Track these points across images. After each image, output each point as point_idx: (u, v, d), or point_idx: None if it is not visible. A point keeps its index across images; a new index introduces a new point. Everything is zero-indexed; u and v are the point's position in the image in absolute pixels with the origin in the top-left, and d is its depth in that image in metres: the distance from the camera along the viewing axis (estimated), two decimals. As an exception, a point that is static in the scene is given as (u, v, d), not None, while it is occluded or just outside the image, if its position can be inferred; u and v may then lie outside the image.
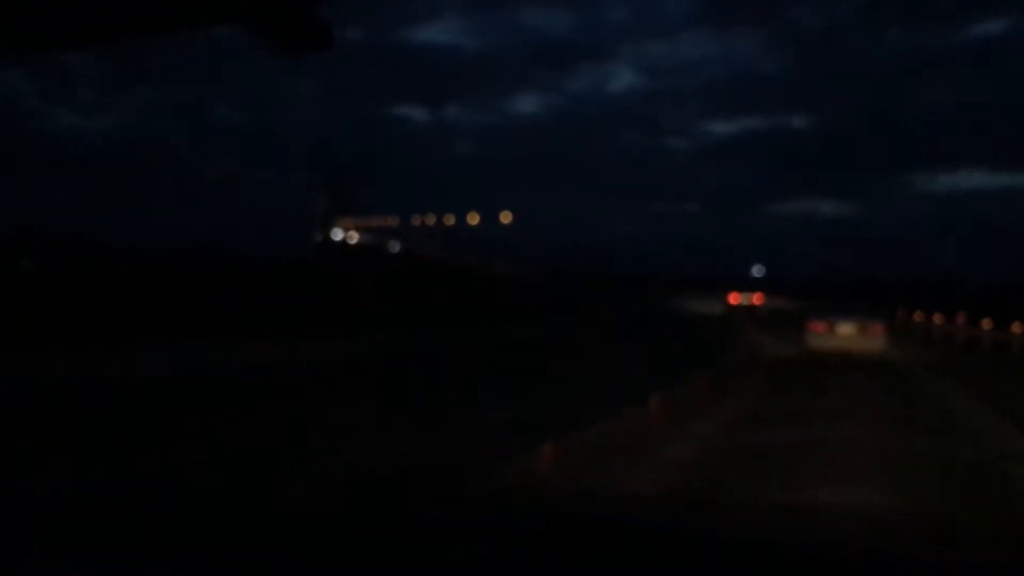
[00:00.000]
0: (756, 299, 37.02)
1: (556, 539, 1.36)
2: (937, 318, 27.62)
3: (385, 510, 1.58)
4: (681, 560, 1.27)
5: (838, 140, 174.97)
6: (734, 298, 38.36)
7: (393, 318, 23.28)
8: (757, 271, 55.41)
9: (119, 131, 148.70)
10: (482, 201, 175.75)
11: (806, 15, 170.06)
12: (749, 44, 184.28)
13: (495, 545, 1.33)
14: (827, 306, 20.71)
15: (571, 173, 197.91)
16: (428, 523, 1.46)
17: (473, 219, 70.14)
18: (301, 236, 76.56)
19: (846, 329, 18.30)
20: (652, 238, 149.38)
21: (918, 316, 29.67)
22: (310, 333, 17.28)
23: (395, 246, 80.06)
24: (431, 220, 77.99)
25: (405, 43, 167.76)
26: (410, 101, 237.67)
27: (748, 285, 38.54)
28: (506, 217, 66.13)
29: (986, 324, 23.51)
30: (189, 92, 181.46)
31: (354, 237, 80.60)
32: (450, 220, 71.74)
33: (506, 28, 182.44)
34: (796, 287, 38.06)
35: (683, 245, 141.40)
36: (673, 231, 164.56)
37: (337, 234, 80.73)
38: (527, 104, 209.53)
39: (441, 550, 1.30)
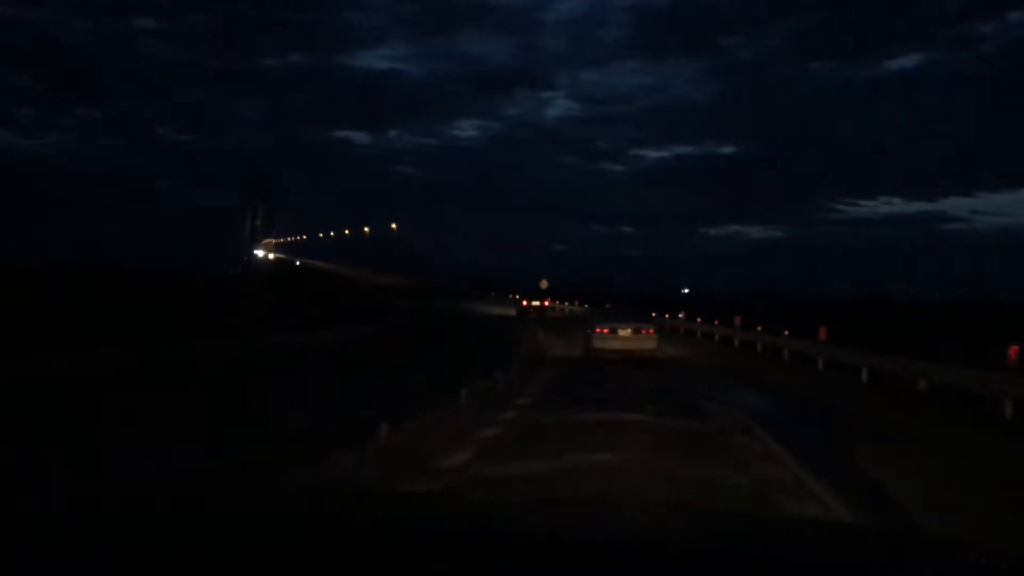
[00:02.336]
0: (546, 303, 43.51)
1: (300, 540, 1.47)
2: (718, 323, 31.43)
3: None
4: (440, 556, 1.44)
5: (766, 167, 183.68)
6: (526, 302, 44.76)
7: (257, 325, 24.09)
8: (685, 291, 62.41)
9: (60, 151, 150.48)
10: (421, 220, 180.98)
11: (736, 47, 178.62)
12: (681, 74, 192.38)
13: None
14: (610, 312, 23.69)
15: (511, 196, 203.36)
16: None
17: (364, 232, 75.53)
18: (238, 253, 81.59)
19: (625, 332, 20.70)
20: (590, 257, 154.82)
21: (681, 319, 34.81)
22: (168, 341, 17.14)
23: (296, 261, 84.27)
24: (336, 235, 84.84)
25: (348, 68, 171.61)
26: (352, 125, 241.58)
27: (674, 304, 40.89)
28: (396, 228, 71.73)
29: (737, 321, 27.73)
30: (134, 113, 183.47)
31: (271, 254, 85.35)
32: (351, 233, 77.60)
33: (447, 55, 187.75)
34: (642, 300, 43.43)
35: (619, 265, 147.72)
36: (609, 251, 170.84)
37: (259, 251, 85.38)
38: (467, 129, 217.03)
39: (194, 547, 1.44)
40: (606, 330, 20.75)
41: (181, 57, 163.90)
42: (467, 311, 43.63)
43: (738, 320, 27.32)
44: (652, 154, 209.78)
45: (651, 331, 21.06)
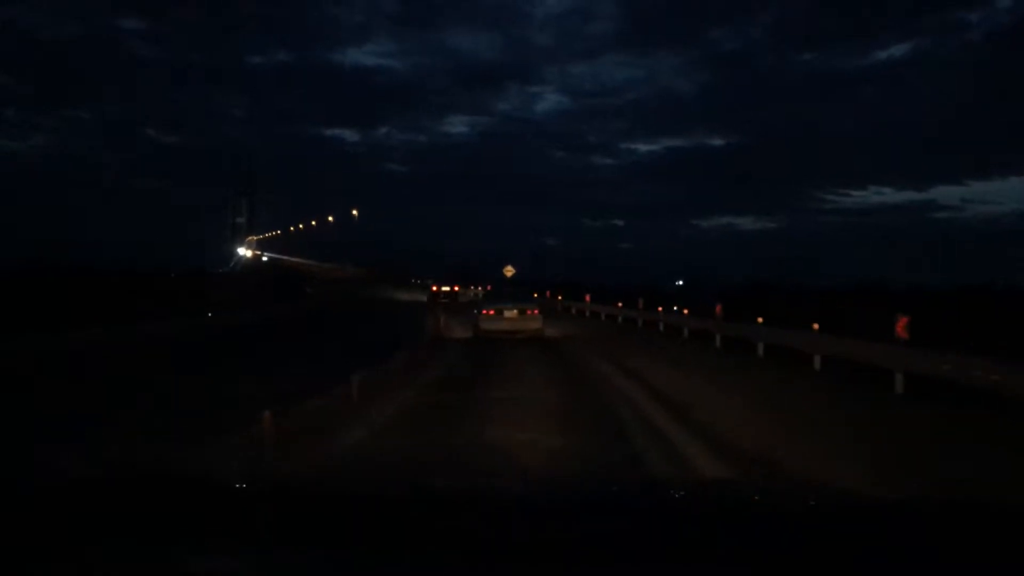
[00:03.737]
0: (456, 288, 42.82)
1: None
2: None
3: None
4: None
5: (756, 158, 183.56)
6: (435, 288, 43.88)
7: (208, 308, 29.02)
8: (678, 282, 62.53)
9: (45, 152, 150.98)
10: (413, 215, 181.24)
11: (722, 38, 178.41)
12: (669, 66, 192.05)
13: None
14: (495, 294, 24.35)
15: (501, 190, 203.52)
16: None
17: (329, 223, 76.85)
18: (222, 251, 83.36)
19: (511, 313, 21.11)
20: (580, 250, 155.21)
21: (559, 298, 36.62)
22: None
23: (265, 256, 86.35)
24: (311, 230, 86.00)
25: (335, 65, 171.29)
26: (341, 123, 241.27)
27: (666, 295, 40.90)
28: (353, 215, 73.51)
29: (618, 305, 29.23)
30: (120, 113, 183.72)
31: (249, 251, 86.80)
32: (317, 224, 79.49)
33: (435, 51, 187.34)
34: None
35: (611, 257, 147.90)
36: (601, 244, 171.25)
37: (241, 248, 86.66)
38: (457, 125, 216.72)
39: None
40: (492, 312, 21.21)
41: (166, 56, 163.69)
42: (385, 297, 44.87)
43: (640, 303, 27.52)
44: (642, 147, 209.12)
45: (535, 311, 21.51)
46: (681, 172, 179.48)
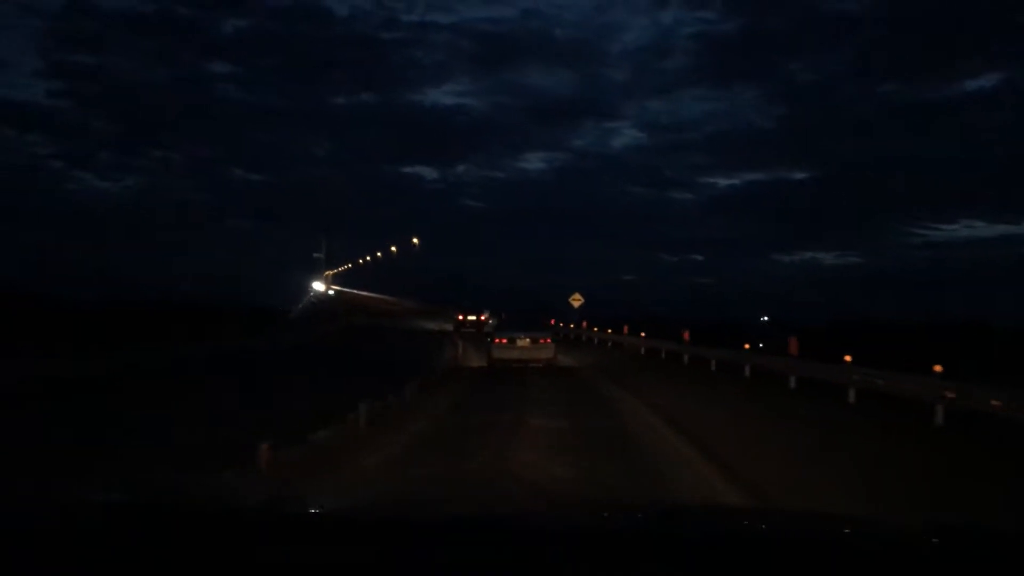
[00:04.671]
0: (482, 318, 40.45)
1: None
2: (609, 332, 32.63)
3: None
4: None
5: (838, 191, 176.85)
6: (461, 316, 42.81)
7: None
8: (763, 318, 59.49)
9: (139, 190, 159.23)
10: (489, 252, 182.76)
11: (800, 70, 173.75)
12: (747, 100, 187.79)
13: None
14: (509, 322, 23.71)
15: (578, 226, 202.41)
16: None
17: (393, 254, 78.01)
18: (301, 285, 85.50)
19: (523, 342, 20.86)
20: (661, 285, 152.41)
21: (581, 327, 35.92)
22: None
23: (331, 290, 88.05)
24: (378, 263, 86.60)
25: (415, 105, 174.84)
26: (420, 160, 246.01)
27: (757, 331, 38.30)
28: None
29: (642, 335, 28.21)
30: (208, 153, 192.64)
31: (323, 285, 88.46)
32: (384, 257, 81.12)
33: (512, 89, 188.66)
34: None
35: (690, 292, 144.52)
36: (679, 279, 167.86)
37: (319, 284, 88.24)
38: (534, 161, 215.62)
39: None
40: (504, 340, 21.03)
41: (253, 99, 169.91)
42: (414, 326, 45.31)
43: (686, 335, 25.91)
44: (721, 181, 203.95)
45: (548, 340, 21.38)
46: (761, 206, 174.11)
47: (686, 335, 22.56)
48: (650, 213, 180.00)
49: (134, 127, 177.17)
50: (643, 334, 26.30)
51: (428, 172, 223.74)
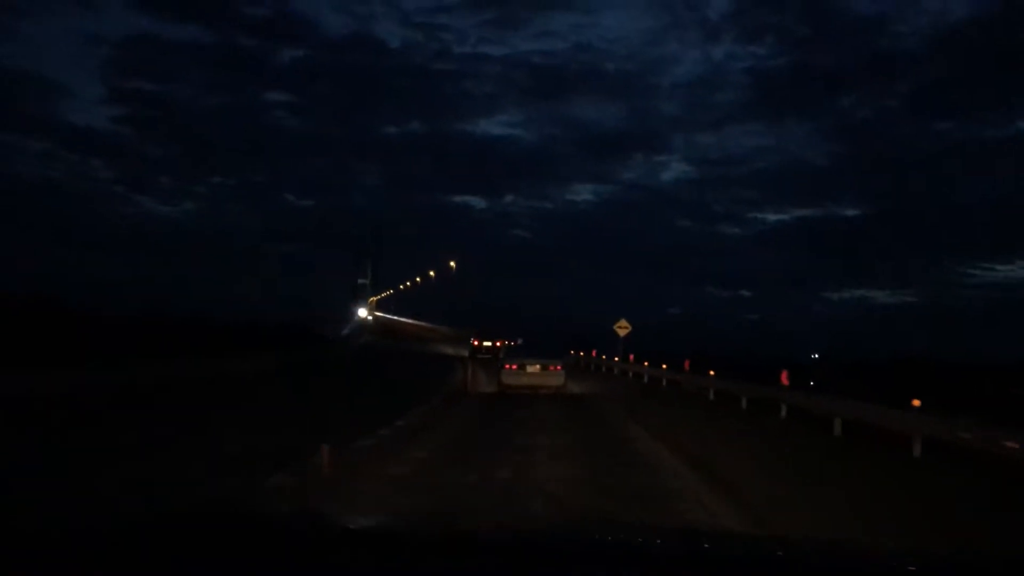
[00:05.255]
0: (499, 344, 38.82)
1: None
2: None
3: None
4: None
5: (891, 229, 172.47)
6: (476, 342, 41.68)
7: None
8: (813, 355, 57.79)
9: (197, 215, 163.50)
10: (535, 282, 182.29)
11: (854, 106, 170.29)
12: (798, 135, 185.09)
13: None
14: (521, 349, 23.88)
15: (625, 258, 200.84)
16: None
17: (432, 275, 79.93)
18: (347, 309, 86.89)
19: (533, 368, 20.71)
20: (706, 320, 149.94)
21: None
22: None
23: (370, 316, 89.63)
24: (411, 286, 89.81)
25: (465, 135, 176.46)
26: (469, 190, 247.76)
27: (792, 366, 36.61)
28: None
29: (645, 364, 28.12)
30: (261, 179, 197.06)
31: (367, 311, 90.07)
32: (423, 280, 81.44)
33: (562, 120, 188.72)
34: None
35: (737, 327, 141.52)
36: (726, 315, 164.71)
37: (363, 311, 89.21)
38: (582, 192, 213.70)
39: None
40: (515, 366, 20.93)
41: (306, 126, 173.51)
42: (432, 351, 45.14)
43: (664, 366, 26.70)
44: (771, 216, 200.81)
45: (558, 367, 21.07)
46: (811, 242, 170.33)
47: (784, 377, 16.23)
48: (698, 247, 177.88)
49: (192, 153, 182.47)
50: (712, 372, 21.33)
51: (477, 202, 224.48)
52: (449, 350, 43.13)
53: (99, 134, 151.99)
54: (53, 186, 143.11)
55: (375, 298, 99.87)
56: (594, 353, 35.76)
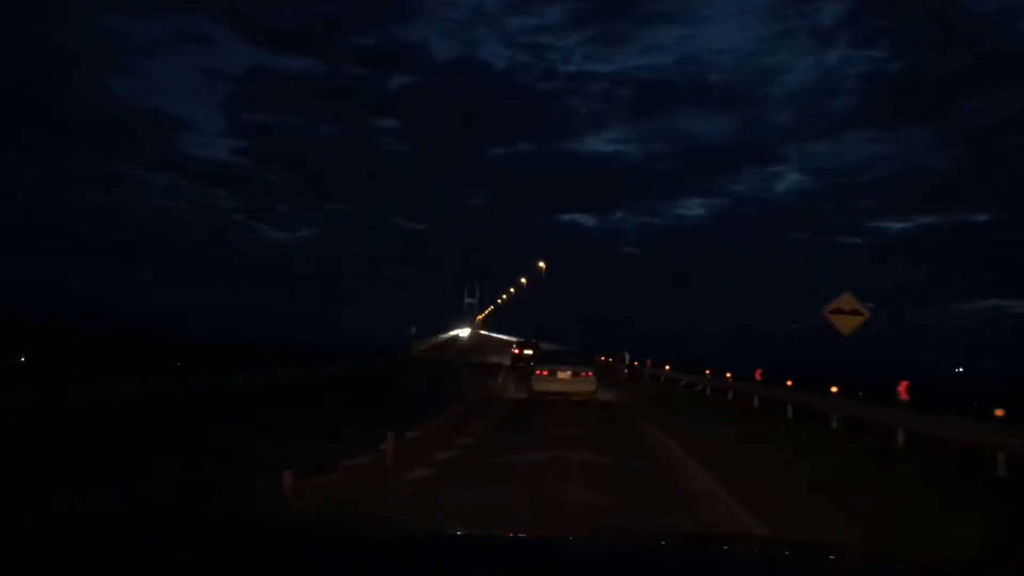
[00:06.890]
0: (533, 350, 39.17)
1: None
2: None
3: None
4: None
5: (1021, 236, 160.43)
6: (517, 351, 43.10)
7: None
8: (959, 370, 54.85)
9: (313, 240, 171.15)
10: (648, 299, 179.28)
11: (977, 111, 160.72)
12: (918, 141, 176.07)
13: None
14: (552, 355, 24.35)
15: (739, 273, 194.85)
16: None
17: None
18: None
19: (564, 374, 20.57)
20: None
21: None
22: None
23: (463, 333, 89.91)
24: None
25: (573, 153, 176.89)
26: (578, 208, 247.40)
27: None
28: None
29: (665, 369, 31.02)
30: (372, 205, 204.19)
31: (467, 331, 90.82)
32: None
33: (670, 135, 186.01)
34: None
35: (857, 342, 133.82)
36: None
37: (463, 331, 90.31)
38: (692, 207, 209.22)
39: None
40: (545, 372, 20.86)
41: (416, 151, 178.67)
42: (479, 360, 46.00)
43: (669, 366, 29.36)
44: (893, 225, 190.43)
45: (590, 373, 20.92)
46: (938, 251, 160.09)
47: (902, 390, 13.85)
48: (814, 259, 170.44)
49: (307, 181, 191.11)
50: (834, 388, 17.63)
51: (586, 219, 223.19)
52: (495, 359, 45.06)
53: (221, 165, 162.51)
54: (177, 216, 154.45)
55: (481, 316, 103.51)
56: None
